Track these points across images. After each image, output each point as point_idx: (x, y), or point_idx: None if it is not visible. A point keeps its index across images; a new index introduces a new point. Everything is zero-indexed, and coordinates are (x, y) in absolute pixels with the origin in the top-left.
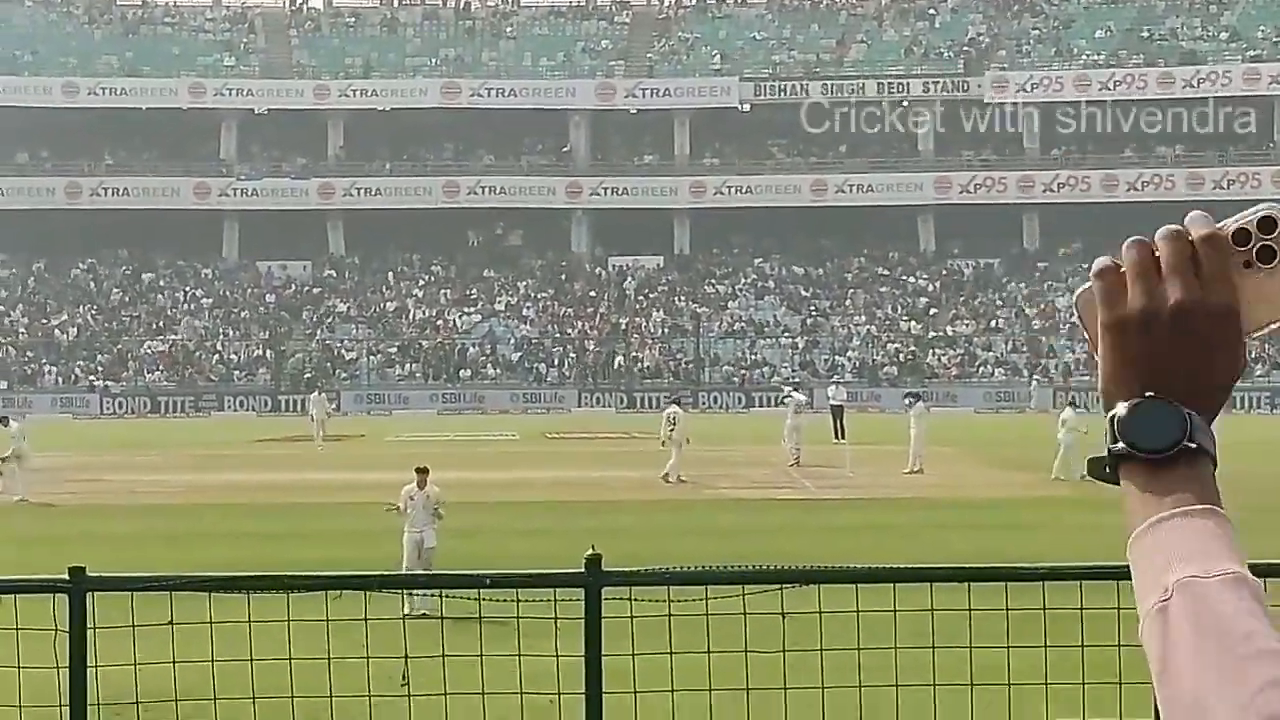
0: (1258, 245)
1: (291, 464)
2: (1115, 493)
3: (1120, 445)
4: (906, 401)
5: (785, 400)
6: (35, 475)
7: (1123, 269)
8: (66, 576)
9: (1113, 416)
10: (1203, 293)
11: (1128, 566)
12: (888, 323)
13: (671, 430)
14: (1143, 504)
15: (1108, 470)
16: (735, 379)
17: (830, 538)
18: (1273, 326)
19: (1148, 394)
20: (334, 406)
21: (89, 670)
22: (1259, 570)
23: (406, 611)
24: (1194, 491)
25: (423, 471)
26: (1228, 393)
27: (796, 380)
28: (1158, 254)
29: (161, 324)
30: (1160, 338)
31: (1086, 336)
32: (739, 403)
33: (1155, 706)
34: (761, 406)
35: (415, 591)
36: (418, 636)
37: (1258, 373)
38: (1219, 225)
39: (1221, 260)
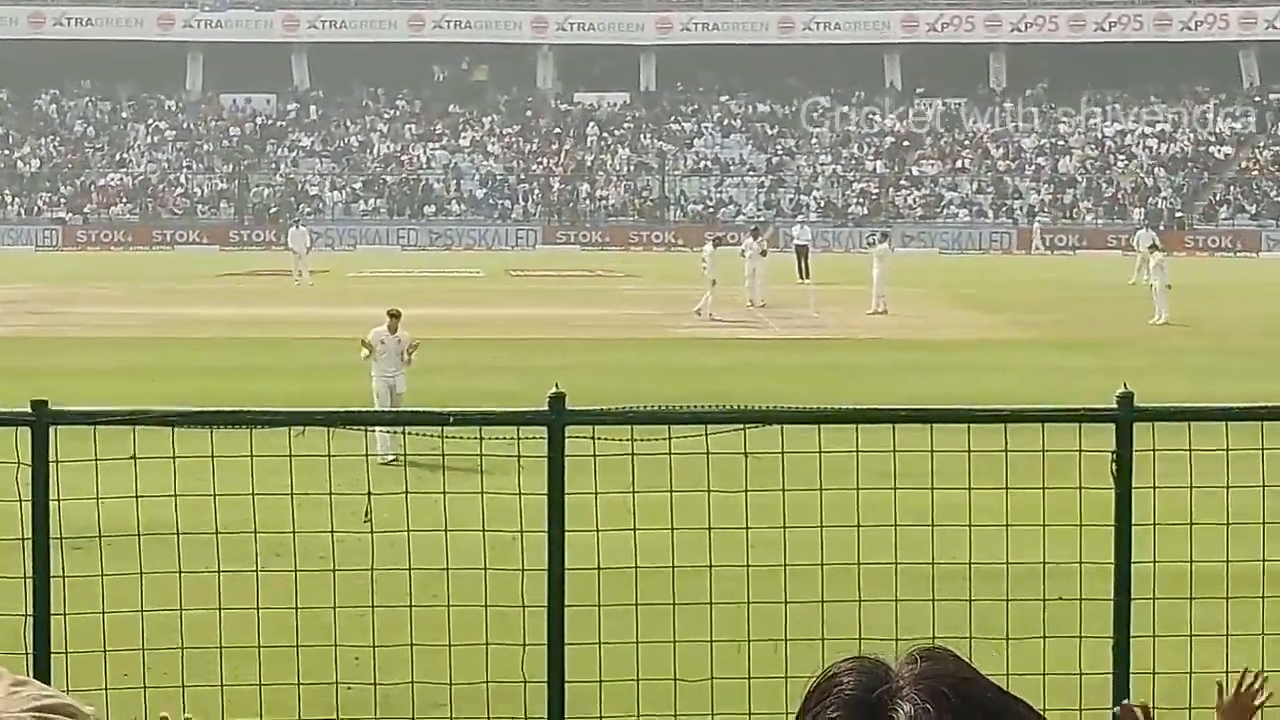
0: None
1: (256, 299)
2: (1082, 335)
3: None
4: (870, 240)
5: (743, 252)
6: None
7: None
8: (29, 410)
9: None
10: None
11: (1090, 410)
12: (853, 162)
13: (704, 268)
14: None
15: None
16: (700, 217)
17: (793, 377)
18: None
19: None
20: (312, 241)
21: (51, 504)
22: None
23: (376, 457)
24: None
25: (395, 315)
26: None
27: (757, 221)
28: None
29: (125, 156)
30: None
31: None
32: (703, 241)
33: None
34: (728, 245)
35: (382, 434)
36: (381, 473)
37: (1222, 215)
38: None
39: None
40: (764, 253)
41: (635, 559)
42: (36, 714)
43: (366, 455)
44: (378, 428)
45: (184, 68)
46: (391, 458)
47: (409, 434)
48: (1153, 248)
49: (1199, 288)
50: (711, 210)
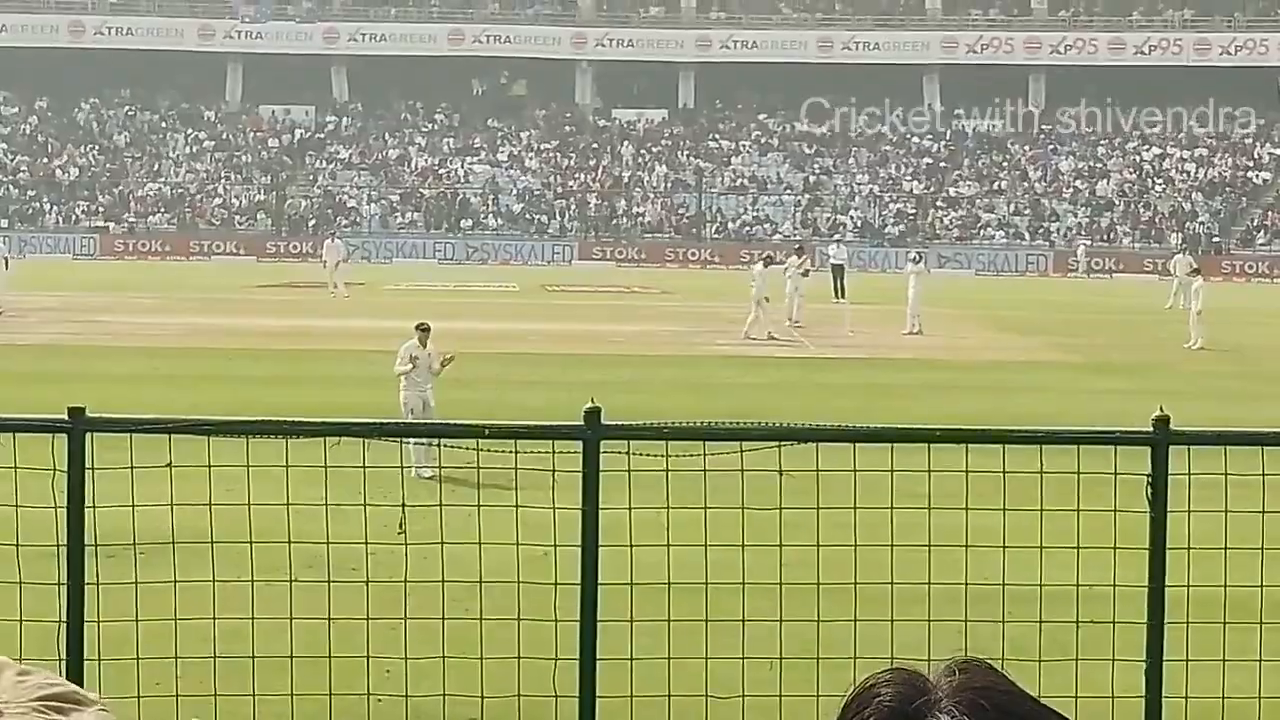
0: None
1: (292, 310)
2: (1118, 358)
3: None
4: (912, 257)
5: (785, 271)
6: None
7: None
8: (66, 416)
9: None
10: None
11: (1126, 433)
12: (890, 182)
13: (754, 287)
14: None
15: None
16: (736, 235)
17: (828, 396)
18: None
19: None
20: (348, 254)
21: (86, 511)
22: None
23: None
24: None
25: (425, 329)
26: None
27: (800, 241)
28: None
29: (163, 166)
30: None
31: None
32: (740, 259)
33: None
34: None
35: (418, 448)
36: (415, 486)
37: (1259, 240)
38: None
39: None
40: (806, 273)
41: (669, 575)
42: (42, 701)
43: (401, 467)
44: (414, 441)
45: (224, 79)
46: (430, 473)
47: (444, 446)
48: (1193, 271)
49: (1236, 312)
50: (749, 228)
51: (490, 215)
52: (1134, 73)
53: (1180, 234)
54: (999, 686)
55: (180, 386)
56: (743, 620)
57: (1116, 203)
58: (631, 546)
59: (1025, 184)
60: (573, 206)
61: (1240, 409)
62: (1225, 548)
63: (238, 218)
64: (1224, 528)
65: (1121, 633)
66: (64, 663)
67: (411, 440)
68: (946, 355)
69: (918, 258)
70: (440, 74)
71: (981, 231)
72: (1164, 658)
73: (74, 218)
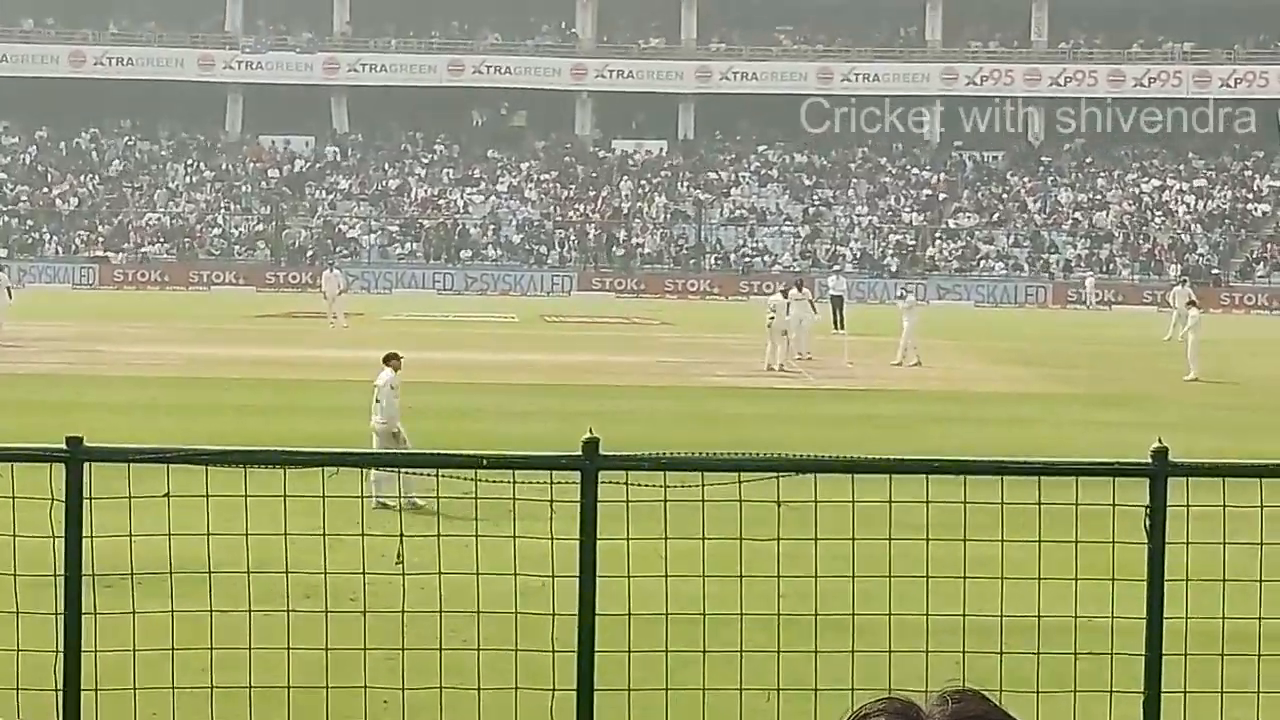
0: None
1: (292, 339)
2: (1116, 389)
3: None
4: (899, 295)
5: (771, 311)
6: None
7: None
8: (64, 446)
9: None
10: None
11: (1124, 464)
12: (890, 214)
13: (771, 319)
14: None
15: None
16: (736, 267)
17: (827, 427)
18: None
19: None
20: (347, 283)
21: (85, 540)
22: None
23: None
24: None
25: (397, 358)
26: None
27: (797, 274)
28: None
29: (162, 196)
30: None
31: None
32: (739, 290)
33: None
34: (762, 294)
35: (380, 477)
36: (413, 516)
37: (1259, 273)
38: None
39: None
40: (813, 304)
41: (666, 605)
42: None
43: (400, 497)
44: (378, 471)
45: (224, 109)
46: (392, 503)
47: (442, 477)
48: (1190, 304)
49: (1235, 344)
50: (749, 259)
51: (490, 246)
52: (1133, 104)
53: (1180, 266)
54: (991, 715)
55: (179, 416)
56: (740, 651)
57: (1116, 234)
58: (629, 577)
59: (1025, 215)
60: (572, 237)
61: (1239, 441)
62: (1224, 579)
63: (237, 248)
64: (1222, 559)
65: (1120, 664)
66: (61, 693)
67: (376, 470)
68: (945, 386)
69: (903, 295)
70: (440, 105)
71: (981, 263)
72: (1162, 689)
73: (74, 247)
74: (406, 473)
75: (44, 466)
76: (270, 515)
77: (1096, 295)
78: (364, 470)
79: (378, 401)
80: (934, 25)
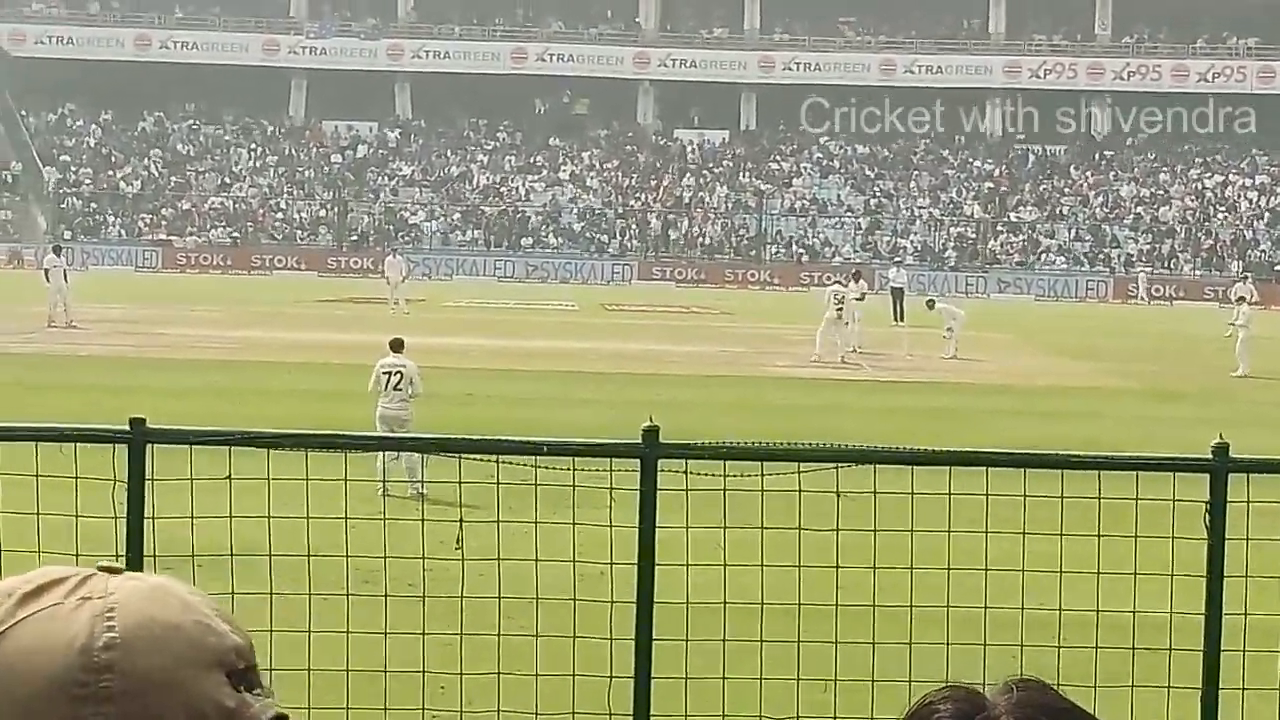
0: None
1: (353, 325)
2: (1177, 385)
3: None
4: (928, 303)
5: (839, 301)
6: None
7: None
8: (127, 427)
9: None
10: None
11: (1184, 459)
12: (951, 206)
13: (839, 308)
14: None
15: None
16: (797, 257)
17: (886, 419)
18: None
19: None
20: (409, 269)
21: (146, 522)
22: None
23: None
24: None
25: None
26: None
27: (857, 265)
28: None
29: (226, 180)
30: None
31: None
32: (799, 281)
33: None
34: (822, 285)
35: (394, 465)
36: (472, 502)
37: None
38: None
39: None
40: (862, 297)
41: (724, 595)
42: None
43: (460, 483)
44: (391, 458)
45: (287, 94)
46: (412, 492)
47: (501, 463)
48: (1240, 299)
49: None
50: (810, 251)
51: (551, 234)
52: (1197, 99)
53: (1241, 262)
54: (1057, 704)
55: (239, 400)
56: (798, 641)
57: (1178, 229)
58: (688, 566)
59: (1086, 209)
60: (633, 226)
61: None
62: None
63: (299, 232)
64: None
65: (1178, 660)
66: None
67: (389, 456)
68: (1005, 380)
69: (932, 302)
70: (503, 92)
71: (1042, 257)
72: (1220, 686)
73: (137, 230)
74: (390, 460)
75: (106, 448)
76: (331, 500)
77: (1150, 289)
78: (424, 456)
79: (410, 384)
80: (997, 18)
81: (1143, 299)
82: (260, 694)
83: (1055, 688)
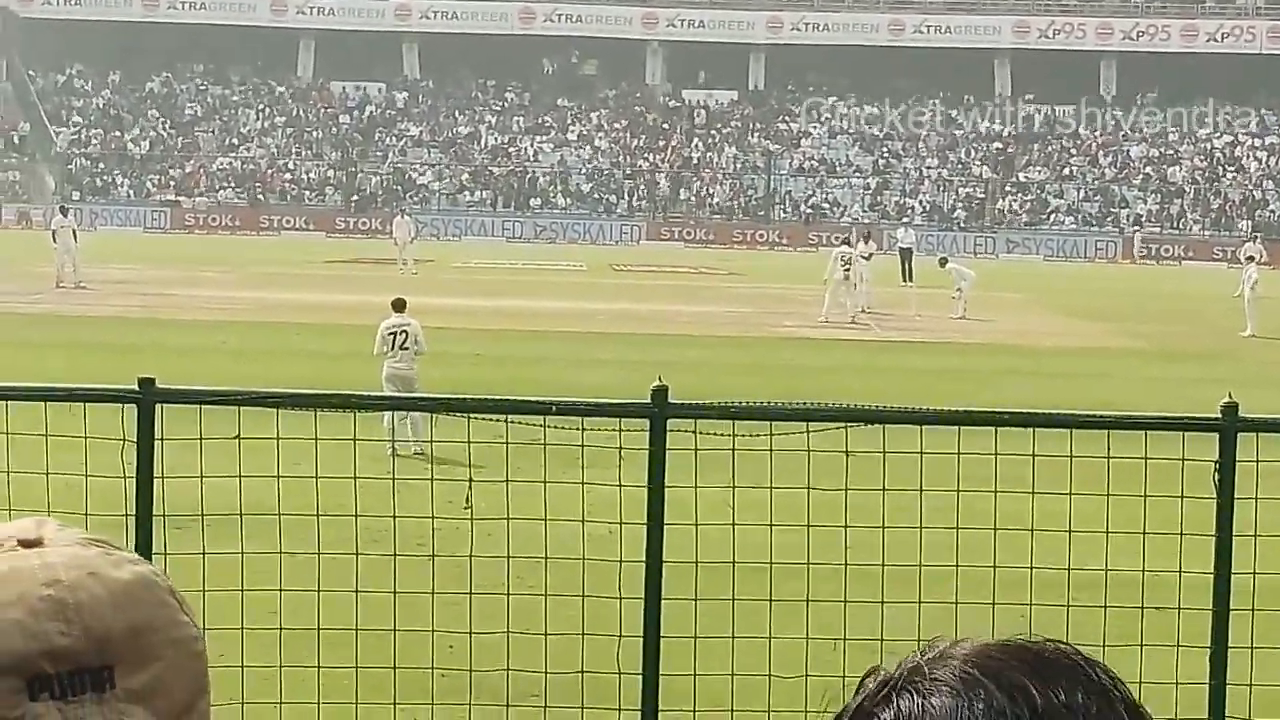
0: None
1: (360, 286)
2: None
3: None
4: (940, 260)
5: (846, 262)
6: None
7: None
8: (136, 387)
9: None
10: None
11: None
12: (960, 166)
13: (847, 269)
14: None
15: None
16: (806, 218)
17: (895, 379)
18: None
19: None
20: (417, 230)
21: (156, 481)
22: None
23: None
24: None
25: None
26: None
27: (867, 225)
28: None
29: (234, 141)
30: None
31: None
32: (808, 241)
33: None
34: (830, 245)
35: (403, 425)
36: (481, 461)
37: None
38: None
39: None
40: (870, 255)
41: (733, 554)
42: (87, 542)
43: (469, 442)
44: (398, 418)
45: (295, 54)
46: (418, 449)
47: (510, 423)
48: (1249, 259)
49: None
50: (819, 211)
51: (559, 194)
52: (1206, 59)
53: (1250, 221)
54: (1012, 680)
55: (248, 360)
56: (807, 600)
57: (1187, 190)
58: (697, 525)
59: (1095, 170)
60: (641, 187)
61: None
62: None
63: (308, 193)
64: None
65: (1187, 619)
66: None
67: (397, 416)
68: (1013, 340)
69: (944, 260)
70: (511, 53)
71: (1051, 217)
72: (1229, 645)
73: (145, 191)
74: (397, 419)
75: (116, 407)
76: (340, 459)
77: (1146, 250)
78: (433, 416)
79: (416, 342)
80: None
81: (1135, 258)
82: (89, 699)
83: (1041, 652)
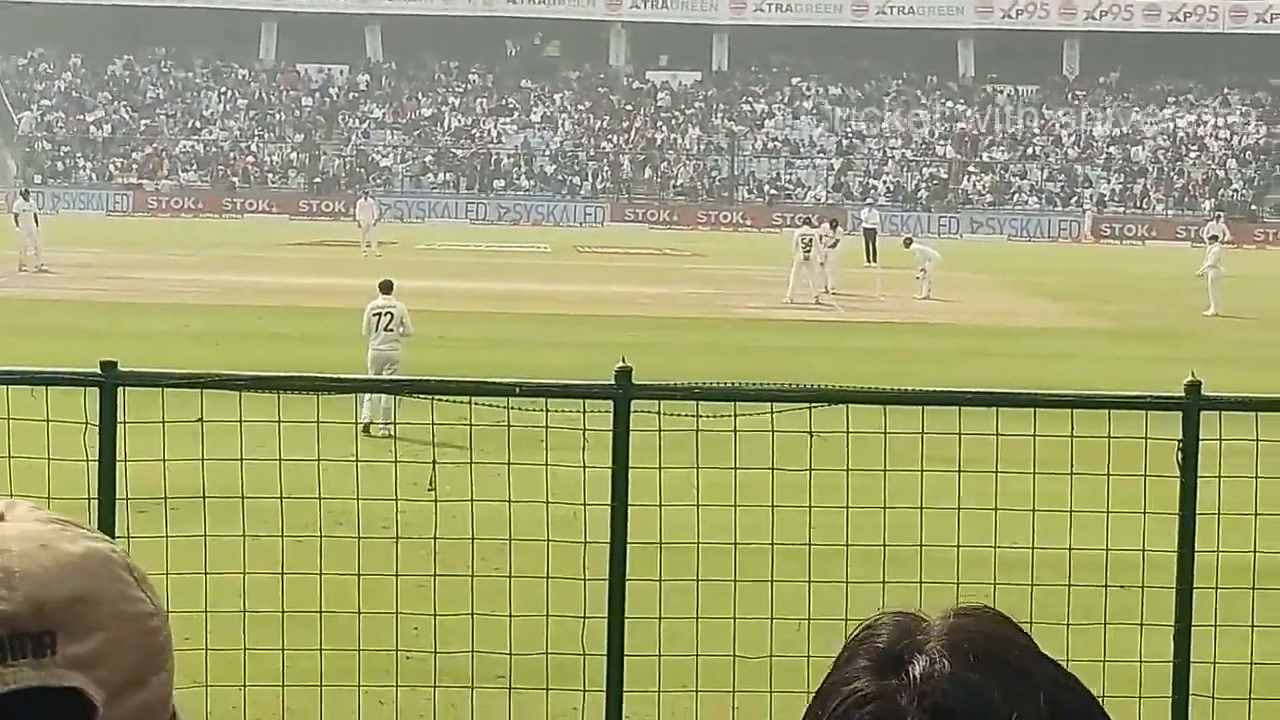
0: None
1: (324, 268)
2: (1148, 324)
3: None
4: (905, 241)
5: (807, 244)
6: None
7: None
8: (98, 370)
9: None
10: None
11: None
12: (924, 147)
13: (808, 251)
14: None
15: None
16: (769, 198)
17: (858, 360)
18: None
19: None
20: (381, 212)
21: (118, 465)
22: None
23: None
24: None
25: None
26: None
27: (832, 209)
28: None
29: (197, 124)
30: None
31: None
32: (772, 222)
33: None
34: (794, 226)
35: (374, 406)
36: (444, 444)
37: None
38: None
39: None
40: (835, 244)
41: (698, 535)
42: (47, 520)
43: (433, 424)
44: (370, 397)
45: (258, 36)
46: (384, 431)
47: (475, 404)
48: (1212, 238)
49: (1268, 280)
50: (782, 192)
51: (522, 176)
52: (1169, 39)
53: (1213, 201)
54: (994, 632)
55: (212, 343)
56: (771, 581)
57: (1150, 169)
58: (661, 506)
59: (1058, 150)
60: (605, 168)
61: (1271, 376)
62: (1255, 514)
63: (271, 175)
64: (1254, 494)
65: (1150, 598)
66: None
67: (369, 396)
68: (977, 320)
69: (909, 241)
70: (474, 34)
71: (1014, 197)
72: (1192, 623)
73: (108, 174)
74: (370, 399)
75: (78, 391)
76: (304, 442)
77: (1094, 228)
78: (396, 399)
79: (401, 324)
80: None
81: (1087, 237)
82: (27, 664)
83: (1008, 618)
